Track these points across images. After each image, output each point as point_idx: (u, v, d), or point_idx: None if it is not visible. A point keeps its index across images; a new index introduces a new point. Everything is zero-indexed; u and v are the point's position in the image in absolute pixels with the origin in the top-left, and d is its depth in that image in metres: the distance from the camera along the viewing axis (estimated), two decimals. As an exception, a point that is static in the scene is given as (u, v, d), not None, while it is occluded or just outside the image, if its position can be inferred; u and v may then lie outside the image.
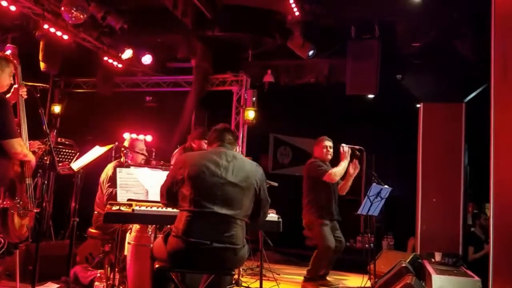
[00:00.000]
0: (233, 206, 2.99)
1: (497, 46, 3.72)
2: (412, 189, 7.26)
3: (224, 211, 2.95)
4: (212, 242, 2.89)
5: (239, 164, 3.09)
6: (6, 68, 3.57)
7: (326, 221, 5.55)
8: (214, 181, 2.98)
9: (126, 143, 5.14)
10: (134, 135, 5.55)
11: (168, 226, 3.55)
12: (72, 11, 5.80)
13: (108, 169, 4.95)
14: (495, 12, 3.79)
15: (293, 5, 6.39)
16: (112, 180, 4.63)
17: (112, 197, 4.80)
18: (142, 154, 5.11)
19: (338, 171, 5.53)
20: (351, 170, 5.57)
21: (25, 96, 3.79)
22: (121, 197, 3.90)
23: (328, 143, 5.78)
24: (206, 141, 5.64)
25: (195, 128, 7.92)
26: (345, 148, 5.50)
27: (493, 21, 3.77)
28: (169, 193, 3.13)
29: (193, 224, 2.92)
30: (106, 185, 4.82)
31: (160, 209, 3.65)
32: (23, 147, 3.55)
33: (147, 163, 5.19)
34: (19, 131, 3.65)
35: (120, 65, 7.75)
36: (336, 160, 5.86)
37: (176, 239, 2.94)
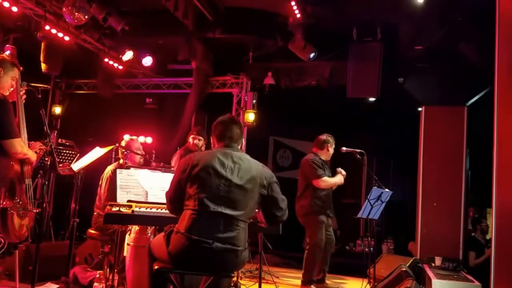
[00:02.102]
0: (237, 207, 2.97)
1: (502, 49, 3.70)
2: (412, 193, 7.25)
3: (228, 211, 2.94)
4: (213, 242, 2.88)
5: (245, 166, 3.07)
6: (9, 71, 3.59)
7: (323, 218, 5.54)
8: (219, 182, 2.97)
9: (122, 144, 5.15)
10: (134, 137, 5.57)
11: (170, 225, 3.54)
12: (74, 12, 5.79)
13: (108, 172, 4.96)
14: (499, 14, 3.77)
15: (295, 7, 6.39)
16: (111, 183, 4.63)
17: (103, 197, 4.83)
18: (140, 154, 5.12)
19: (330, 182, 5.60)
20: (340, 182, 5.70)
21: (24, 100, 3.79)
22: (121, 198, 3.89)
23: (333, 144, 5.82)
24: (194, 136, 5.94)
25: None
26: (344, 149, 5.51)
27: (497, 23, 3.75)
28: (175, 196, 3.09)
29: (197, 222, 2.91)
30: (105, 187, 4.82)
31: (159, 210, 3.67)
32: (23, 147, 3.57)
33: (147, 165, 5.19)
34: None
35: (120, 67, 7.77)
36: (335, 161, 5.87)
37: (178, 235, 2.93)
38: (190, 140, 6.06)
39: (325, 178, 5.56)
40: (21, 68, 3.73)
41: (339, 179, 5.67)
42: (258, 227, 3.54)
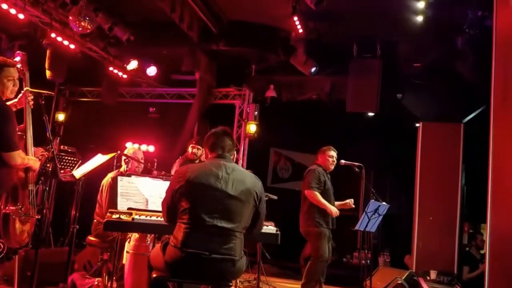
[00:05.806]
0: (232, 219, 2.98)
1: (498, 68, 3.77)
2: (409, 207, 7.30)
3: (223, 224, 2.94)
4: (210, 254, 2.89)
5: (238, 177, 3.08)
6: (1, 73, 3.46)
7: (325, 231, 5.57)
8: (214, 194, 2.97)
9: (128, 152, 5.18)
10: (136, 145, 5.62)
11: (167, 236, 3.57)
12: (80, 21, 5.85)
13: (108, 179, 4.98)
14: (496, 34, 3.85)
15: (297, 23, 6.46)
16: (112, 190, 4.66)
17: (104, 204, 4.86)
18: (142, 163, 5.19)
19: (319, 199, 5.48)
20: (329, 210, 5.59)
21: (32, 105, 3.81)
22: (122, 205, 3.90)
23: (334, 154, 5.80)
24: (193, 146, 5.83)
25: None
26: (343, 162, 5.56)
27: (494, 43, 3.82)
28: (170, 208, 3.10)
29: (192, 236, 2.92)
30: (105, 195, 4.87)
31: (159, 218, 3.66)
32: (24, 158, 3.52)
33: (148, 173, 5.23)
34: (24, 137, 3.65)
35: (125, 76, 7.84)
36: (334, 174, 5.92)
37: (174, 249, 2.94)
38: (189, 149, 6.03)
39: (317, 194, 5.51)
40: (13, 63, 3.58)
41: (331, 208, 5.46)
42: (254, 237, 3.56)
